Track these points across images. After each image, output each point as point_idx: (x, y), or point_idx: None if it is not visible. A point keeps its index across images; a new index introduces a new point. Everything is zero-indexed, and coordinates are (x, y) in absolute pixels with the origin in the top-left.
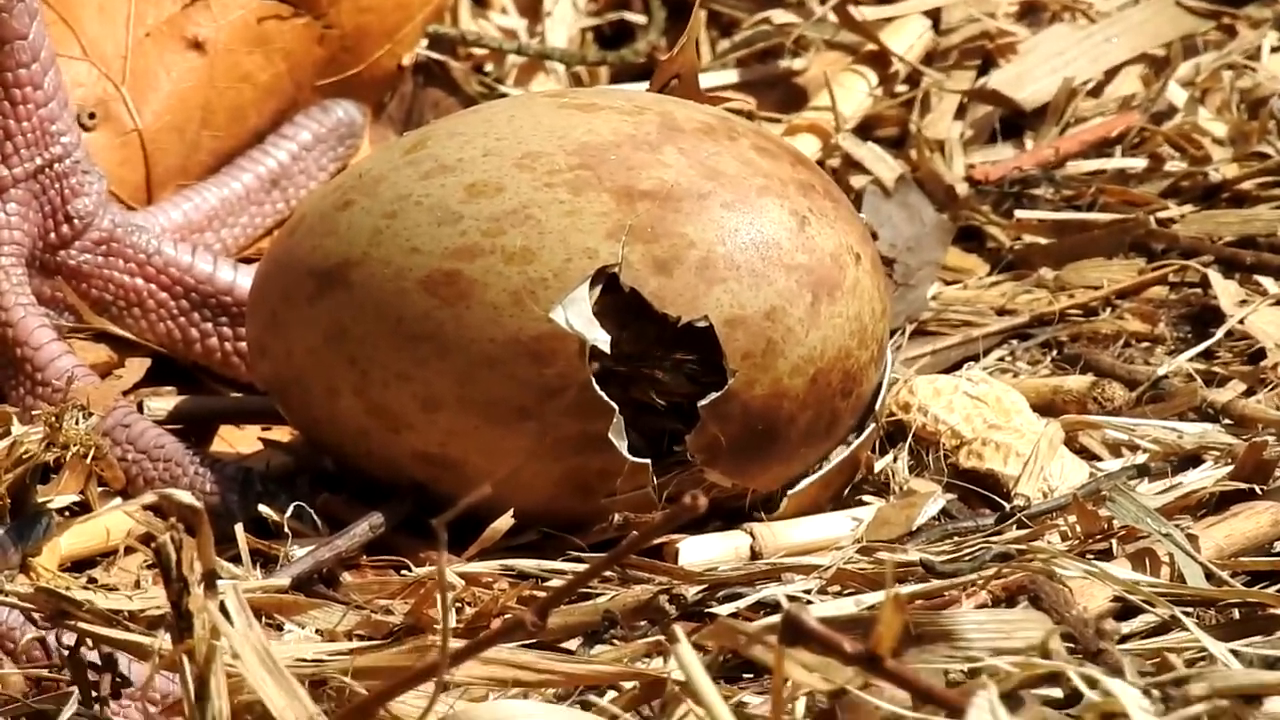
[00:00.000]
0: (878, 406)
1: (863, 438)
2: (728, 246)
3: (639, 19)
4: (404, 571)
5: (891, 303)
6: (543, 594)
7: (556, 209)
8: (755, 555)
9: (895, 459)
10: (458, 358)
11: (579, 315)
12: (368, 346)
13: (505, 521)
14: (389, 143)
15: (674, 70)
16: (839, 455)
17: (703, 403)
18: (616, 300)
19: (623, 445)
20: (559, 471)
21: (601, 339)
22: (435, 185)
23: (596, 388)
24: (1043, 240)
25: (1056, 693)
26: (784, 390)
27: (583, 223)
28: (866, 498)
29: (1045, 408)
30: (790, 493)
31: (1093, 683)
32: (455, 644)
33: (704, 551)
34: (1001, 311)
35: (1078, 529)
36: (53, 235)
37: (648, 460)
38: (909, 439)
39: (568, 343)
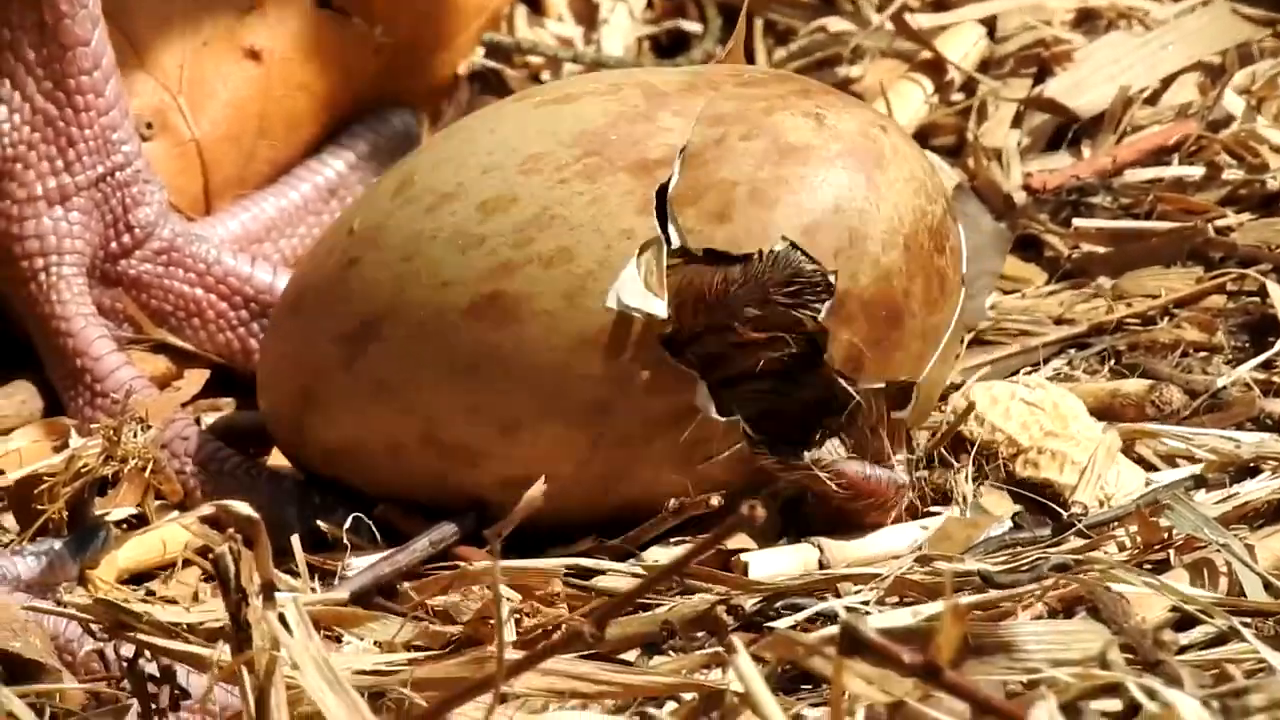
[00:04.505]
0: (964, 265)
1: (962, 302)
2: (766, 170)
3: (695, 27)
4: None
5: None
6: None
7: (578, 201)
8: (824, 569)
9: (959, 470)
10: (524, 373)
11: (634, 294)
12: (425, 392)
13: (538, 489)
14: (368, 192)
15: None
16: (948, 331)
17: (823, 314)
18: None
19: (710, 408)
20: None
21: (659, 309)
22: (445, 215)
23: (671, 360)
24: (1100, 249)
25: (1115, 704)
26: (886, 269)
27: (609, 207)
28: (934, 508)
29: (1103, 411)
30: (919, 381)
31: (1151, 694)
32: (514, 655)
33: (772, 565)
34: (1059, 321)
35: (1136, 539)
36: (114, 245)
37: (738, 417)
38: (973, 451)
39: (632, 325)
